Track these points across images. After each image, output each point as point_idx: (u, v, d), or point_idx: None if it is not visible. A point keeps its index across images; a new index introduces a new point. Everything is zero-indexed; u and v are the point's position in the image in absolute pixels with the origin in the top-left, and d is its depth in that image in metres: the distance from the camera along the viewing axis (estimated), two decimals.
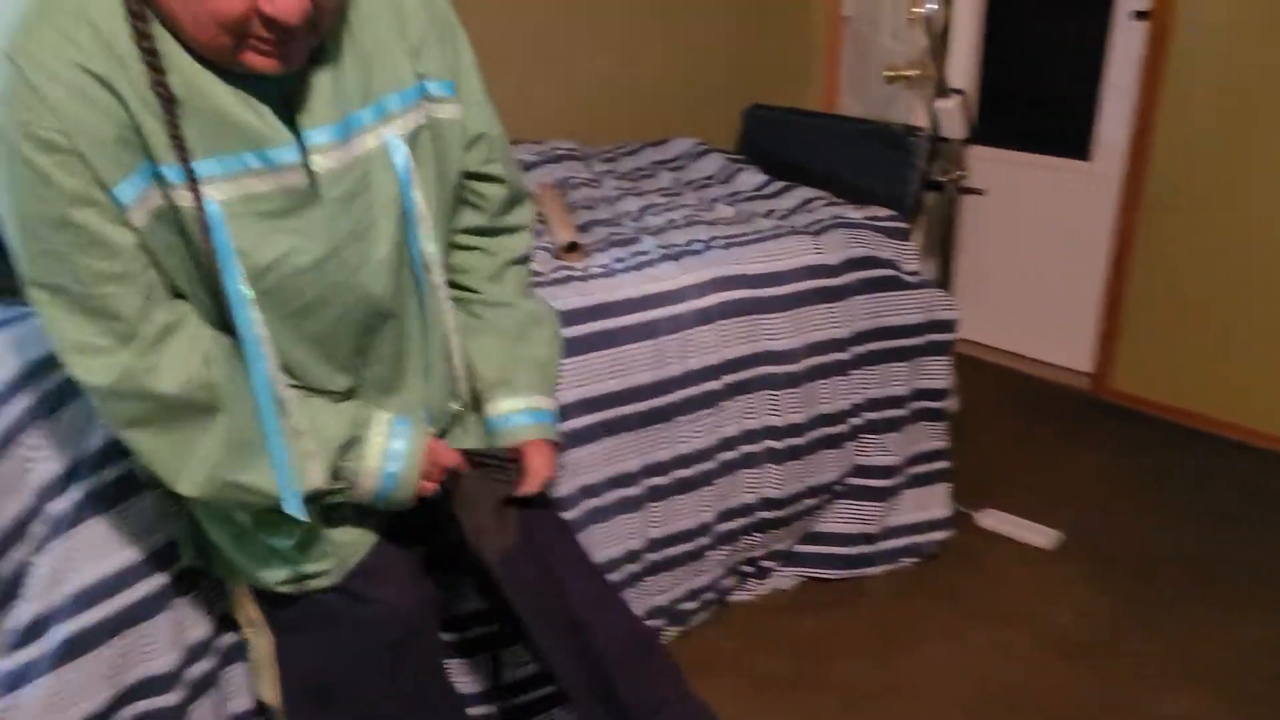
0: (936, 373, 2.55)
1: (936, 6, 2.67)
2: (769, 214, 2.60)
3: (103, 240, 1.11)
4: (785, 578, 2.51)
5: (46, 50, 1.04)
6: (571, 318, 1.96)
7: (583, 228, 2.42)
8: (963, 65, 2.68)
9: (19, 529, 1.47)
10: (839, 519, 2.50)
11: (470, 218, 1.50)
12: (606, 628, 1.50)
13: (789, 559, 2.50)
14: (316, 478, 1.29)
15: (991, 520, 2.76)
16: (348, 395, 1.36)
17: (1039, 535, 2.69)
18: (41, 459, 1.45)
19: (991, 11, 3.66)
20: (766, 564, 2.45)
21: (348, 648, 1.42)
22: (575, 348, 1.96)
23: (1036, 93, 3.67)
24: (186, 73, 1.09)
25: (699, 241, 2.29)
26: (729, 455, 2.22)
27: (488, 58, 1.51)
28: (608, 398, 2.01)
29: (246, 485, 1.25)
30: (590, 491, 2.01)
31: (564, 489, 1.96)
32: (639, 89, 3.55)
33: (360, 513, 1.41)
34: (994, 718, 2.10)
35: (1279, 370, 3.11)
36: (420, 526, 1.50)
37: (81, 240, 1.10)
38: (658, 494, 2.12)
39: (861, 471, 2.48)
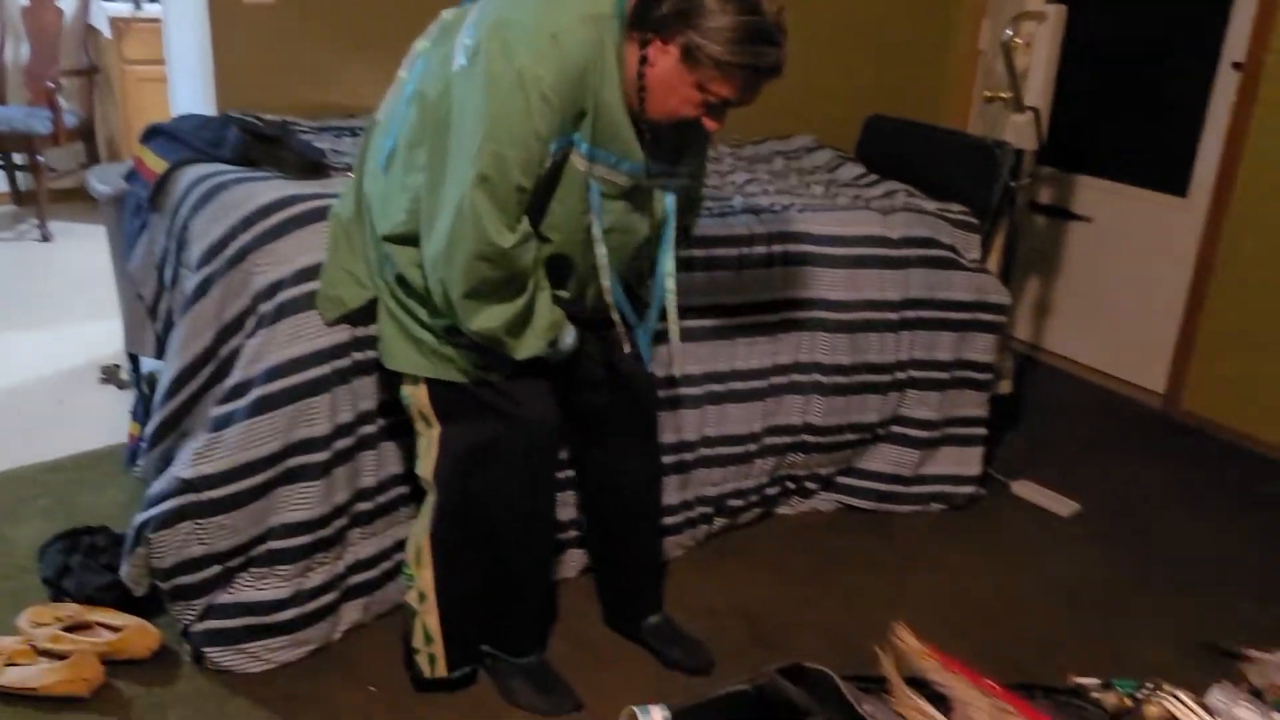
0: (982, 347, 2.92)
1: (1013, 35, 3.05)
2: (855, 198, 3.04)
3: (531, 163, 1.71)
4: (824, 501, 2.94)
5: (577, 46, 1.68)
6: None
7: None
8: (1039, 89, 3.04)
9: (239, 322, 2.10)
10: (878, 459, 2.91)
11: None
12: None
13: (829, 485, 2.93)
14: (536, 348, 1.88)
15: (1023, 489, 3.10)
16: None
17: (1061, 505, 3.02)
18: (260, 272, 2.07)
19: (1107, 55, 3.98)
20: (809, 485, 2.89)
21: (494, 437, 1.93)
22: None
23: (1147, 131, 3.95)
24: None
25: (780, 205, 2.76)
26: (779, 380, 2.68)
27: None
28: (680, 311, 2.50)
29: (508, 343, 1.84)
30: (659, 384, 2.50)
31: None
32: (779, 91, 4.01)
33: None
34: (972, 634, 2.46)
35: None
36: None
37: (521, 157, 1.69)
38: (714, 398, 2.60)
39: (903, 421, 2.89)
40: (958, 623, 2.50)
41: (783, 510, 2.90)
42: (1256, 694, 1.44)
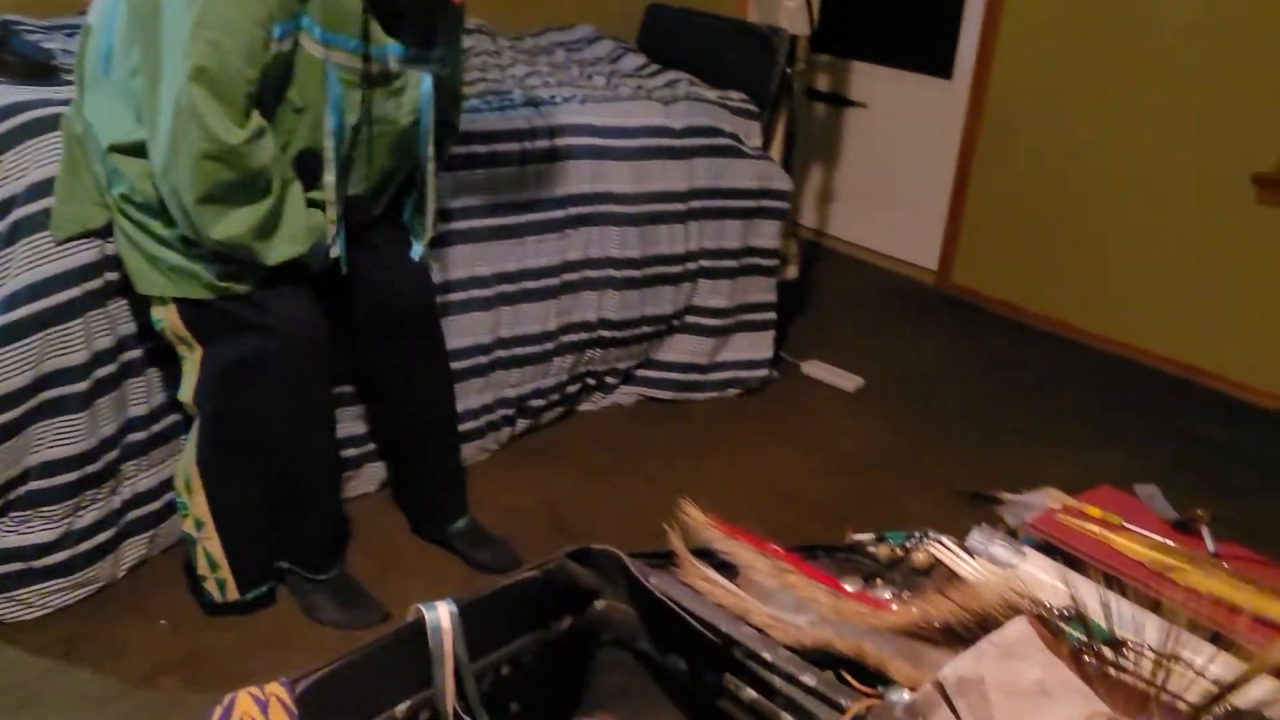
0: (768, 234, 3.00)
1: None
2: (637, 88, 3.02)
3: (254, 50, 1.58)
4: (625, 395, 2.98)
5: None
6: None
7: (470, 83, 2.84)
8: None
9: None
10: (674, 349, 2.97)
11: None
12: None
13: (628, 378, 2.96)
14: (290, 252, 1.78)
15: (812, 369, 3.24)
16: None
17: (847, 381, 3.18)
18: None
19: None
20: (609, 380, 2.92)
21: (252, 351, 1.83)
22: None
23: (914, 15, 4.10)
24: None
25: (561, 97, 2.71)
26: (572, 276, 2.67)
27: None
28: (464, 210, 2.44)
29: (257, 249, 1.73)
30: (446, 288, 2.45)
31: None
32: None
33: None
34: (771, 508, 2.57)
35: (1087, 272, 3.59)
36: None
37: (239, 43, 1.56)
38: (507, 299, 2.56)
39: (696, 310, 2.94)
40: (752, 499, 2.61)
41: (585, 407, 2.92)
42: (1012, 534, 1.56)
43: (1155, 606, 1.16)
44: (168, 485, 2.11)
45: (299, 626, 2.02)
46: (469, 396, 2.53)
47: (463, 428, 2.47)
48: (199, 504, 1.90)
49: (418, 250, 2.04)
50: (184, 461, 1.92)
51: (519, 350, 2.63)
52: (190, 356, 1.86)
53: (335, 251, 1.86)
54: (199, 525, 1.91)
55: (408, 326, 2.07)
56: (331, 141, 1.76)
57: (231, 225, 1.68)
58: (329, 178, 1.80)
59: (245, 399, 1.85)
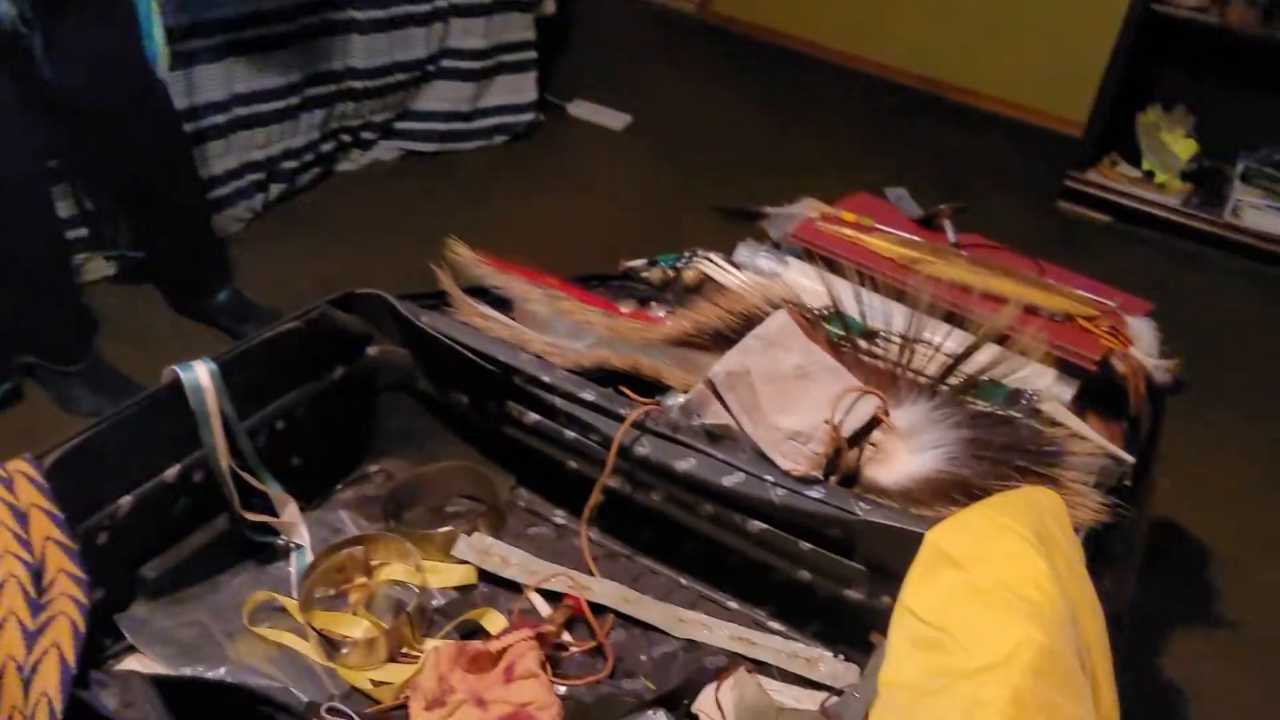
0: None
1: None
2: None
3: None
4: (386, 150, 2.83)
5: None
6: None
7: None
8: None
9: None
10: (434, 97, 2.81)
11: None
12: None
13: (388, 132, 2.81)
14: None
15: (578, 109, 3.18)
16: None
17: (614, 119, 3.14)
18: None
19: None
20: (366, 135, 2.75)
21: None
22: None
23: None
24: None
25: None
26: (311, 20, 2.44)
27: None
28: None
29: None
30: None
31: None
32: None
33: None
34: (547, 251, 2.52)
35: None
36: None
37: None
38: (238, 48, 2.32)
39: (452, 53, 2.77)
40: (527, 245, 2.51)
41: (344, 166, 2.76)
42: (776, 246, 1.62)
43: (902, 298, 1.24)
44: None
45: (59, 422, 1.89)
46: (210, 162, 2.32)
47: (209, 195, 2.29)
48: None
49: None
50: None
51: (261, 107, 2.42)
52: None
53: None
54: None
55: (112, 92, 1.82)
56: None
57: None
58: None
59: None
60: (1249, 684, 1.67)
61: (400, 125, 2.82)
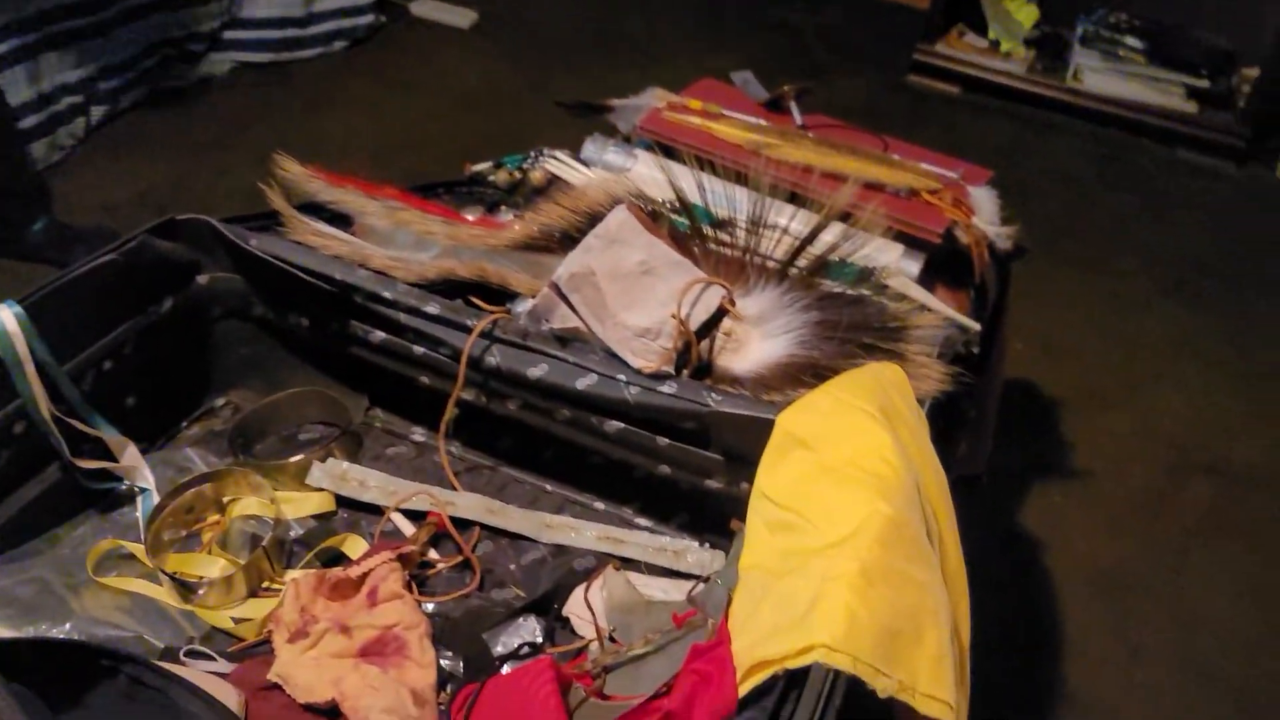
0: None
1: None
2: None
3: None
4: (216, 63, 2.66)
5: None
6: None
7: None
8: None
9: None
10: (264, 4, 2.65)
11: None
12: None
13: (217, 43, 2.64)
14: None
15: (421, 8, 3.04)
16: None
17: (460, 16, 3.01)
18: None
19: None
20: (192, 48, 2.58)
21: None
22: None
23: None
24: None
25: None
26: None
27: None
28: None
29: None
30: None
31: None
32: None
33: None
34: (396, 158, 2.46)
35: None
36: None
37: None
38: None
39: None
40: (374, 154, 2.48)
41: (172, 83, 2.59)
42: (626, 139, 1.58)
43: (745, 183, 1.23)
44: None
45: None
46: (16, 89, 2.14)
47: (21, 124, 2.12)
48: None
49: None
50: None
51: (68, 24, 2.24)
52: None
53: None
54: None
55: None
56: None
57: None
58: None
59: None
60: (1098, 525, 1.78)
61: (230, 35, 2.65)
